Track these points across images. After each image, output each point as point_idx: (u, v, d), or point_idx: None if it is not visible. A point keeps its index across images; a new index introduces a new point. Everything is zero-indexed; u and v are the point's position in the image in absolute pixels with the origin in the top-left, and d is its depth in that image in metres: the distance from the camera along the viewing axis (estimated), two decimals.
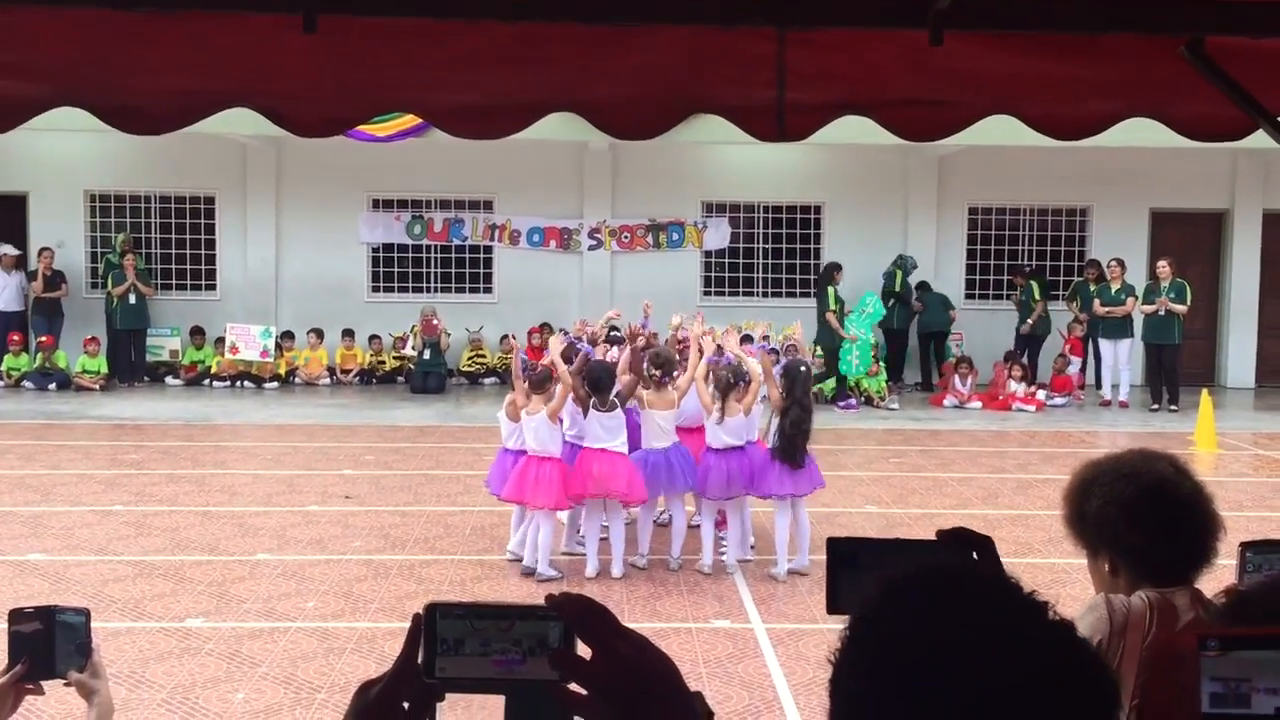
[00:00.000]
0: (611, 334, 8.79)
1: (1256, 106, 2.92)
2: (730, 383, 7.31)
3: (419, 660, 1.20)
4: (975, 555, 1.42)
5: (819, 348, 16.08)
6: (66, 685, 2.13)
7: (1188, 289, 15.16)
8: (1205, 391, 13.09)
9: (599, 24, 2.70)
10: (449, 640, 1.20)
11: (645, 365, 7.63)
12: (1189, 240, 17.56)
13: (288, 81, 2.65)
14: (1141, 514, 2.10)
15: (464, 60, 2.69)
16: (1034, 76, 2.81)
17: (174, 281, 17.56)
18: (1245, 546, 2.27)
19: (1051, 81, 2.83)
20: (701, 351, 7.66)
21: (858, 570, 1.51)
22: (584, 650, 1.18)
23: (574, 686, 1.15)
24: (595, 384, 7.22)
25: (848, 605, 1.45)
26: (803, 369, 7.57)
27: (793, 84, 2.78)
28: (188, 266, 17.61)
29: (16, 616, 2.08)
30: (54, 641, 2.11)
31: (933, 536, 1.71)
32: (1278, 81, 2.92)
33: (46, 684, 2.12)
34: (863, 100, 2.82)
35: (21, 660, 2.08)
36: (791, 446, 7.23)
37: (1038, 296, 16.29)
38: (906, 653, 0.97)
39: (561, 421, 7.36)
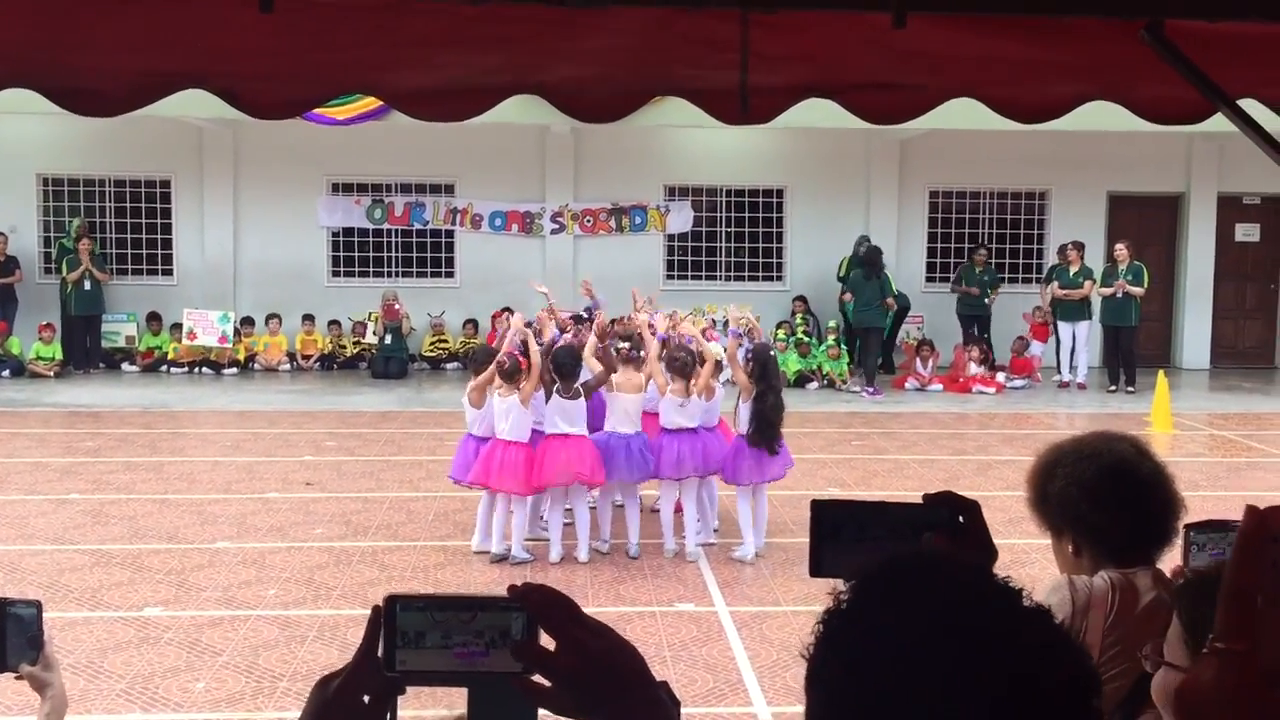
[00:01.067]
0: (579, 315, 8.75)
1: (1214, 89, 2.94)
2: (687, 363, 7.30)
3: (379, 653, 1.18)
4: (961, 519, 1.41)
5: (780, 330, 16.13)
6: (18, 679, 2.09)
7: (1145, 271, 15.34)
8: (1161, 373, 13.26)
9: (560, 5, 2.67)
10: (409, 633, 1.18)
11: (613, 341, 7.65)
12: (1146, 223, 17.76)
13: (244, 62, 2.59)
14: (1103, 494, 2.12)
15: (423, 41, 2.65)
16: (997, 59, 2.81)
17: (130, 266, 17.30)
18: (1189, 528, 2.30)
19: (1014, 64, 2.83)
20: (654, 331, 7.68)
21: (841, 535, 1.47)
22: (548, 641, 1.17)
23: (538, 678, 1.13)
24: (560, 368, 7.19)
25: (831, 570, 1.42)
26: (772, 353, 7.65)
27: (756, 66, 2.76)
28: (144, 251, 17.35)
29: None
30: (5, 634, 2.08)
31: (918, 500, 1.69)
32: (1235, 64, 2.94)
33: None
34: (827, 83, 2.81)
35: None
36: (771, 431, 7.25)
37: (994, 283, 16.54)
38: (880, 646, 0.96)
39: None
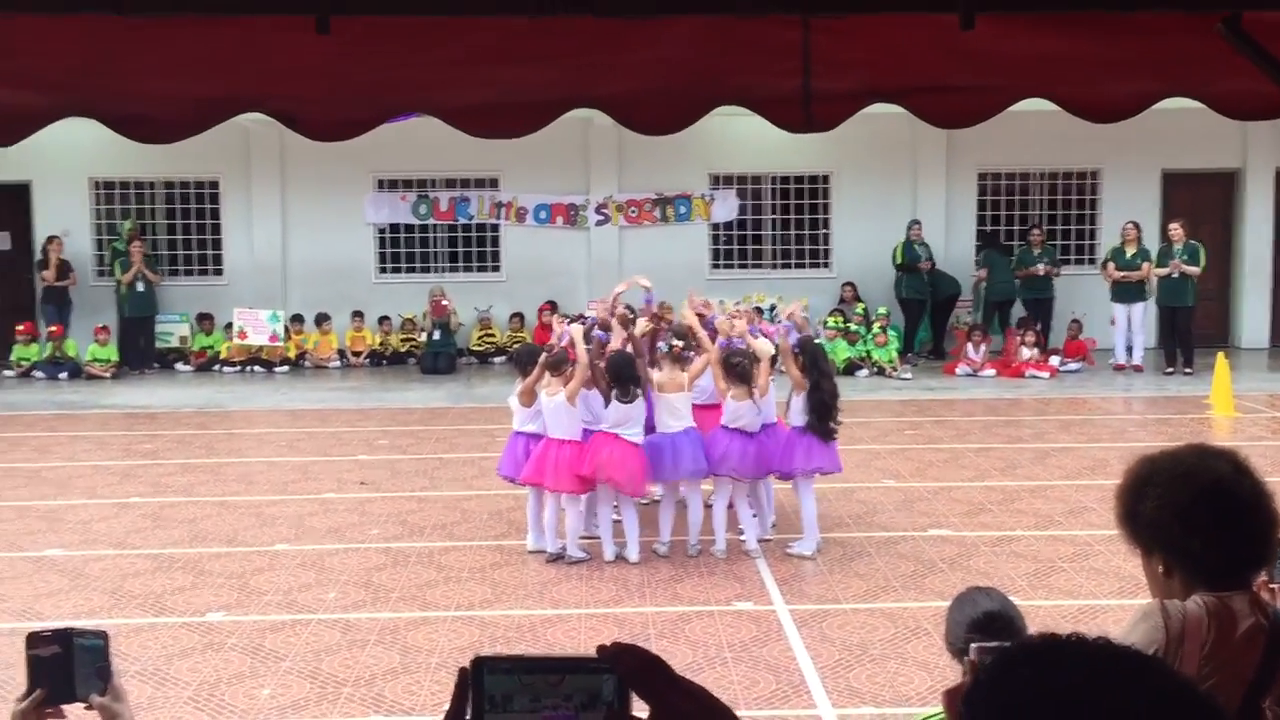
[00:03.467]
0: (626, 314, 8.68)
1: None
2: (746, 368, 7.22)
3: (467, 718, 1.15)
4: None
5: (831, 318, 16.02)
6: (88, 709, 2.09)
7: (1201, 251, 15.01)
8: (1221, 354, 12.99)
9: (617, 16, 2.62)
10: (496, 696, 1.15)
11: (665, 338, 7.60)
12: (1201, 201, 17.39)
13: (302, 85, 2.57)
14: (1198, 518, 2.03)
15: (480, 58, 2.62)
16: (1068, 58, 2.73)
17: (181, 267, 17.50)
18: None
19: (1087, 63, 2.74)
20: (711, 333, 7.63)
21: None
22: (639, 704, 1.13)
23: None
24: (617, 376, 7.13)
25: None
26: (818, 342, 7.63)
27: (819, 72, 2.70)
28: (194, 252, 17.54)
29: (35, 640, 2.05)
30: (73, 665, 2.08)
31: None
32: None
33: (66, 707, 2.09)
34: (892, 87, 2.74)
35: (41, 684, 2.05)
36: (830, 416, 7.21)
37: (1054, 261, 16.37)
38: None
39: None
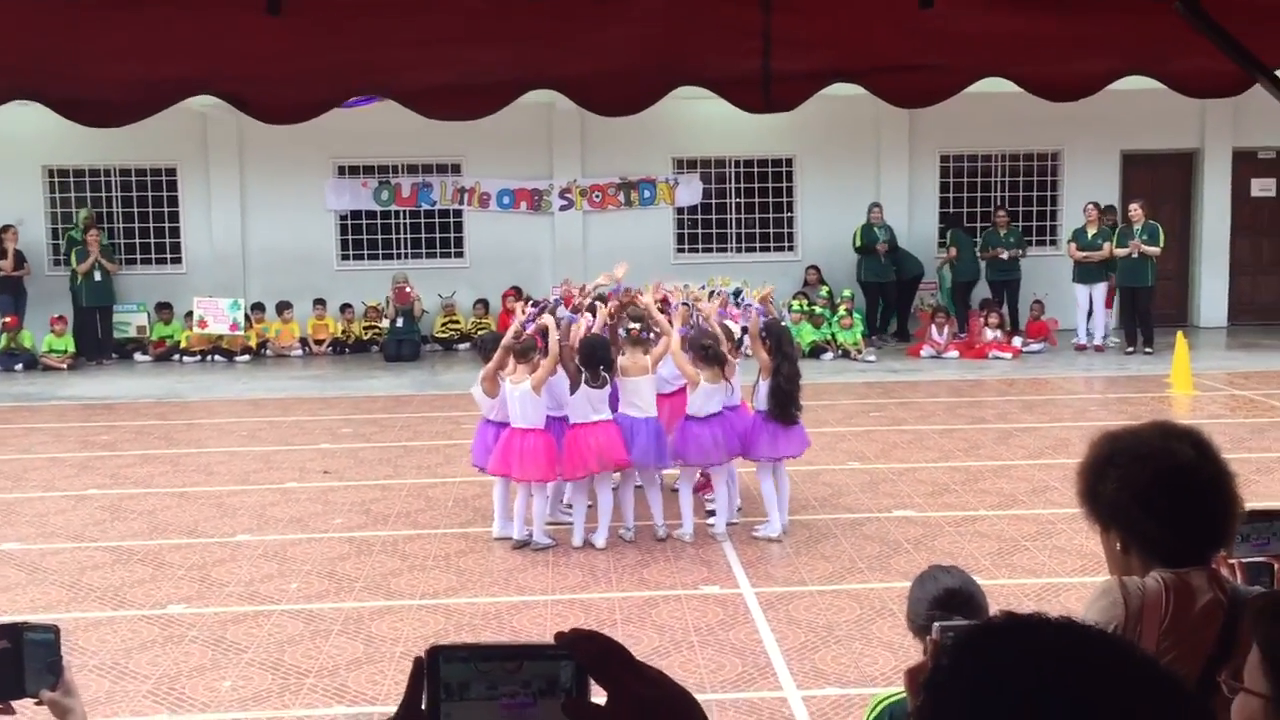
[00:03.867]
0: (594, 302, 8.65)
1: (1253, 61, 2.85)
2: (718, 351, 7.20)
3: (422, 707, 1.13)
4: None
5: (796, 301, 16.05)
6: (38, 704, 2.06)
7: (1160, 231, 15.17)
8: (1180, 333, 13.13)
9: None
10: (453, 685, 1.13)
11: (623, 322, 7.57)
12: (1160, 181, 17.57)
13: (252, 66, 2.51)
14: (1156, 500, 2.03)
15: (435, 39, 2.57)
16: (1027, 37, 2.72)
17: (139, 256, 17.26)
18: None
19: (1045, 41, 2.74)
20: (670, 318, 7.61)
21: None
22: (598, 690, 1.11)
23: None
24: (589, 359, 7.08)
25: None
26: (784, 325, 7.61)
27: (778, 52, 2.67)
28: (152, 240, 17.30)
29: None
30: (23, 660, 2.04)
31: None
32: (1274, 34, 2.84)
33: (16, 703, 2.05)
34: (852, 67, 2.72)
35: None
36: (788, 402, 7.19)
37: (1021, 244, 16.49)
38: (983, 703, 0.96)
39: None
